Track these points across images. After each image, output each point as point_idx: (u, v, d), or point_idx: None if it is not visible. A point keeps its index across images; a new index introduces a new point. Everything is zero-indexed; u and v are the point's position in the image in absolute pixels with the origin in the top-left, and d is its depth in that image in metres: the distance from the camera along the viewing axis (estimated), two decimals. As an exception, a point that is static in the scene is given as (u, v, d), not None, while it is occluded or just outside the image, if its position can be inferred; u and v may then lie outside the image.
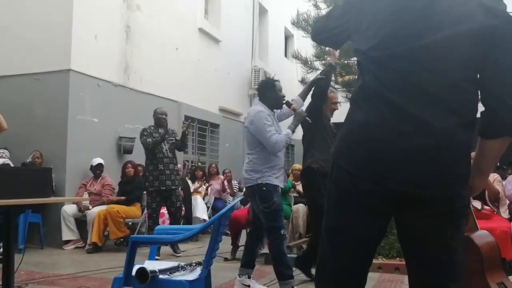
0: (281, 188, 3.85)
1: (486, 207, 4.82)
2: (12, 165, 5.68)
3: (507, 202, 5.00)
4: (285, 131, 3.77)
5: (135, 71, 7.47)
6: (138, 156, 6.98)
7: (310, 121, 3.96)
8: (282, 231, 3.75)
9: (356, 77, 1.68)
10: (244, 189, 6.23)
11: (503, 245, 4.48)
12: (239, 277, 3.97)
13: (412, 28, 1.43)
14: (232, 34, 10.42)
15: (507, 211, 4.97)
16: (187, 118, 8.64)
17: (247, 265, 4.00)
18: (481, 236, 2.46)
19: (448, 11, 1.41)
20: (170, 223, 5.73)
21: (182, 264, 2.67)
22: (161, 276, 2.41)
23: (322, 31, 1.81)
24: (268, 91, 3.91)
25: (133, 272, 2.39)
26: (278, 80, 4.00)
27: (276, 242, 3.72)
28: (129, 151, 7.08)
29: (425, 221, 1.48)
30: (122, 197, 6.35)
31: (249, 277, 3.99)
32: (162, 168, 5.62)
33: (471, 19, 1.39)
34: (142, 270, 2.32)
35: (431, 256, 1.50)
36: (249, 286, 3.93)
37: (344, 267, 1.56)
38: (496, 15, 1.41)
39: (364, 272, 1.61)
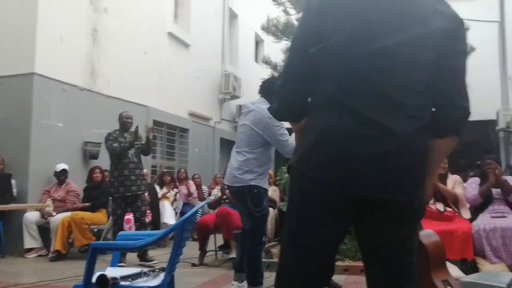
0: None
1: (448, 209, 4.93)
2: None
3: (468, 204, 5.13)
4: (292, 138, 3.68)
5: (102, 75, 7.35)
6: (105, 161, 6.86)
7: None
8: (264, 238, 3.72)
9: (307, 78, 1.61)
10: (219, 191, 6.19)
11: (464, 246, 4.61)
12: (239, 282, 3.84)
13: (371, 32, 1.44)
14: (202, 39, 10.39)
15: (468, 212, 5.10)
16: (155, 122, 8.57)
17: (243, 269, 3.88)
18: (427, 235, 2.53)
19: (405, 15, 1.44)
20: (137, 229, 5.63)
21: (145, 270, 2.63)
22: (122, 283, 2.37)
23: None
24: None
25: (94, 280, 2.34)
26: None
27: (258, 247, 3.66)
28: (95, 156, 6.95)
29: (385, 224, 1.49)
30: (87, 204, 6.22)
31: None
32: (128, 173, 5.53)
33: (427, 22, 1.43)
34: (102, 277, 2.27)
35: (389, 258, 1.52)
36: None
37: (306, 269, 1.56)
38: (450, 19, 1.47)
39: (326, 274, 1.62)
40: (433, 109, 1.52)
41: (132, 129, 5.66)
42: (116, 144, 5.48)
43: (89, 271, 2.33)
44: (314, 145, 1.48)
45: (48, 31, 6.36)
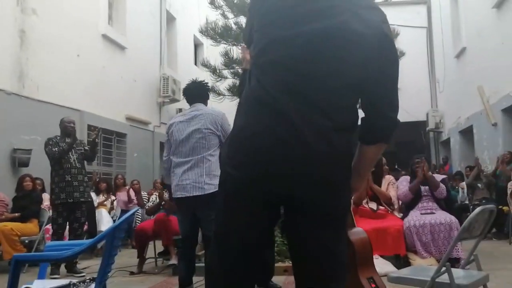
0: None
1: (381, 207, 5.13)
2: None
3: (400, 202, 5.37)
4: None
5: (31, 79, 7.00)
6: (36, 169, 6.54)
7: None
8: None
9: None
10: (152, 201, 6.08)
11: (396, 242, 4.82)
12: None
13: (289, 32, 1.45)
14: (138, 41, 10.17)
15: (399, 214, 5.34)
16: (90, 127, 8.27)
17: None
18: (356, 232, 2.61)
19: (321, 17, 1.45)
20: (70, 240, 5.36)
21: (75, 281, 2.52)
22: (49, 296, 2.26)
23: None
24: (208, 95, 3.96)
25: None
26: None
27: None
28: (25, 163, 6.60)
29: (306, 224, 1.50)
30: (17, 214, 5.89)
31: None
32: (70, 179, 5.24)
33: (342, 26, 1.43)
34: (26, 291, 2.16)
35: (313, 257, 1.53)
36: None
37: (232, 271, 1.55)
38: (367, 24, 1.45)
39: (252, 274, 1.62)
40: (362, 116, 1.55)
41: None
42: (55, 149, 5.22)
43: (12, 285, 2.20)
44: (235, 144, 1.50)
45: (-30, 32, 5.99)
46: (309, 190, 1.45)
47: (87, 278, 2.60)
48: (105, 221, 6.91)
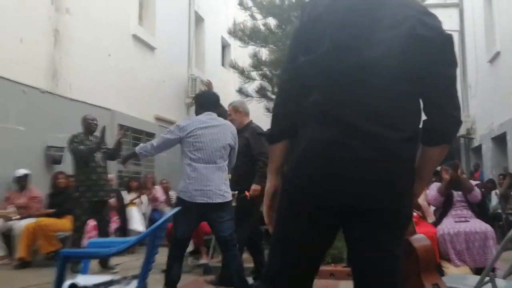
0: None
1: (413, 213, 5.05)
2: None
3: (432, 208, 5.28)
4: None
5: (64, 77, 7.13)
6: (69, 166, 6.64)
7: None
8: None
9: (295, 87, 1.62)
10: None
11: (431, 249, 4.72)
12: None
13: (352, 44, 1.46)
14: (167, 42, 10.27)
15: (433, 217, 5.25)
16: (121, 126, 8.39)
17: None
18: (419, 239, 2.59)
19: (387, 26, 1.46)
20: (99, 237, 5.42)
21: (117, 278, 2.55)
22: (94, 292, 2.29)
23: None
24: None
25: (64, 289, 2.24)
26: None
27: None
28: (58, 161, 6.72)
29: (372, 232, 1.50)
30: (52, 210, 6.01)
31: None
32: (96, 178, 5.29)
33: (411, 33, 1.45)
34: (73, 286, 2.18)
35: (374, 265, 1.53)
36: None
37: (293, 276, 1.56)
38: (431, 28, 1.48)
39: (312, 280, 1.61)
40: (424, 118, 1.54)
41: (97, 132, 5.48)
42: (82, 147, 5.26)
43: (60, 280, 2.23)
44: (301, 154, 1.49)
45: (7, 30, 6.13)
46: (381, 199, 1.46)
47: (128, 275, 2.62)
48: (136, 219, 7.00)
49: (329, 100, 1.47)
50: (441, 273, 4.64)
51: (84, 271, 2.71)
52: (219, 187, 3.66)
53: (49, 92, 6.84)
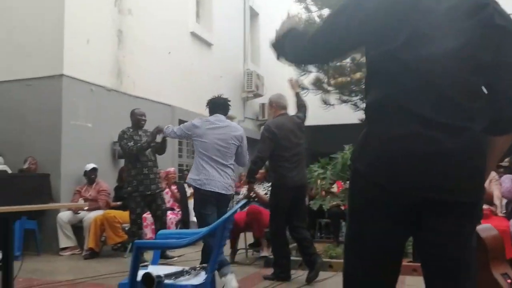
0: None
1: (484, 206, 4.85)
2: (9, 171, 5.58)
3: (504, 201, 5.04)
4: None
5: (127, 76, 7.43)
6: (133, 161, 6.94)
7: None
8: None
9: (365, 80, 1.61)
10: (242, 194, 6.26)
11: (502, 244, 4.52)
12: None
13: (430, 32, 1.43)
14: (224, 37, 10.41)
15: (504, 209, 5.01)
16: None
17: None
18: (486, 229, 2.52)
19: (463, 14, 1.44)
20: (157, 228, 5.55)
21: (187, 268, 2.64)
22: (166, 281, 2.39)
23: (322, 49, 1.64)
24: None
25: (138, 278, 2.36)
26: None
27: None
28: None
29: (453, 225, 1.47)
30: (119, 203, 6.30)
31: None
32: (147, 172, 5.43)
33: (487, 23, 1.44)
34: (147, 276, 2.29)
35: (451, 258, 1.50)
36: None
37: (370, 276, 1.55)
38: (506, 18, 1.47)
39: (394, 283, 1.60)
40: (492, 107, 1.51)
41: (145, 127, 5.62)
42: (131, 143, 5.35)
43: (134, 269, 2.35)
44: (380, 151, 1.47)
45: (75, 33, 6.46)
46: (465, 192, 1.44)
47: (197, 266, 2.71)
48: (196, 212, 7.16)
49: (405, 92, 1.44)
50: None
51: (155, 262, 2.83)
52: (228, 182, 4.21)
53: (115, 90, 7.15)
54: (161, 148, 5.68)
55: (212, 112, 4.38)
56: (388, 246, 1.52)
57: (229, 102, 4.49)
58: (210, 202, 4.00)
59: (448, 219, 1.46)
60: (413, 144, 1.40)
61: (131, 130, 5.53)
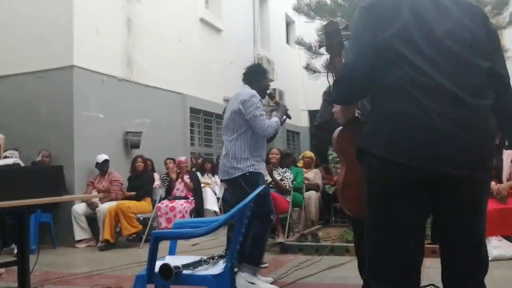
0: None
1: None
2: (22, 164, 5.59)
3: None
4: (274, 119, 3.76)
5: (138, 65, 7.35)
6: (146, 150, 6.91)
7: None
8: (272, 216, 3.70)
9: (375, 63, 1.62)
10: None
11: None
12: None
13: (437, 14, 1.58)
14: (233, 23, 10.27)
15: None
16: (192, 110, 8.57)
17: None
18: None
19: (463, 8, 1.64)
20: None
21: (205, 257, 2.59)
22: (184, 272, 2.34)
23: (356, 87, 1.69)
24: (260, 77, 3.92)
25: (156, 269, 2.31)
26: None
27: (264, 225, 3.63)
28: (136, 145, 7.00)
29: (464, 202, 1.54)
30: (132, 193, 6.29)
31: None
32: None
33: (482, 21, 1.64)
34: (166, 267, 2.25)
35: (468, 235, 1.58)
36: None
37: (399, 261, 1.55)
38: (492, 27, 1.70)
39: (419, 264, 1.60)
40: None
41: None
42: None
43: (152, 260, 2.30)
44: (395, 130, 1.51)
45: (84, 23, 6.39)
46: (477, 166, 1.50)
47: (215, 255, 2.66)
48: (210, 200, 7.14)
49: (417, 73, 1.49)
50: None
51: (172, 252, 2.78)
52: (225, 163, 3.69)
53: (125, 80, 7.09)
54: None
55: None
56: (409, 224, 1.54)
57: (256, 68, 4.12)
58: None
59: (463, 193, 1.52)
60: (427, 123, 1.45)
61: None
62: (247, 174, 3.59)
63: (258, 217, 3.47)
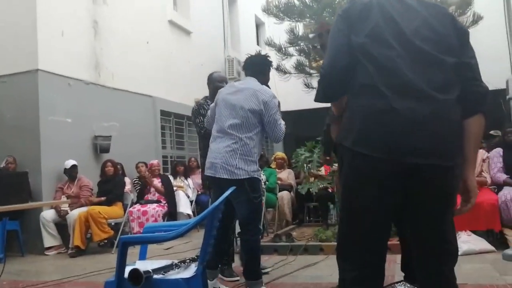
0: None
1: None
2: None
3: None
4: (282, 122, 3.49)
5: (106, 68, 7.23)
6: (116, 154, 6.80)
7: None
8: (260, 225, 3.55)
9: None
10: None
11: (490, 217, 4.54)
12: (210, 280, 3.46)
13: (403, 15, 1.68)
14: (202, 25, 10.21)
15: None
16: (163, 112, 8.48)
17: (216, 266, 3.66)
18: None
19: (431, 10, 1.73)
20: None
21: (176, 261, 2.55)
22: (155, 276, 2.29)
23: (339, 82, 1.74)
24: (268, 71, 3.64)
25: (125, 275, 2.26)
26: None
27: (256, 237, 3.42)
28: (106, 149, 6.86)
29: (431, 192, 1.62)
30: (102, 198, 6.17)
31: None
32: None
33: (450, 20, 1.73)
34: (135, 272, 2.19)
35: (435, 226, 1.67)
36: None
37: (367, 246, 1.66)
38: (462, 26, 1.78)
39: (385, 250, 1.73)
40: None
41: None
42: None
43: (121, 266, 2.25)
44: (365, 124, 1.61)
45: (48, 26, 6.23)
46: (443, 155, 1.57)
47: (187, 258, 2.62)
48: (183, 203, 7.08)
49: (387, 69, 1.60)
50: (503, 240, 4.47)
51: (142, 257, 2.73)
52: (229, 161, 3.27)
53: (93, 83, 6.95)
54: None
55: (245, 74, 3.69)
56: (376, 211, 1.64)
57: (263, 60, 3.68)
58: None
59: (429, 183, 1.60)
60: (393, 115, 1.55)
61: (208, 102, 4.20)
62: (252, 179, 3.30)
63: (248, 228, 3.35)
